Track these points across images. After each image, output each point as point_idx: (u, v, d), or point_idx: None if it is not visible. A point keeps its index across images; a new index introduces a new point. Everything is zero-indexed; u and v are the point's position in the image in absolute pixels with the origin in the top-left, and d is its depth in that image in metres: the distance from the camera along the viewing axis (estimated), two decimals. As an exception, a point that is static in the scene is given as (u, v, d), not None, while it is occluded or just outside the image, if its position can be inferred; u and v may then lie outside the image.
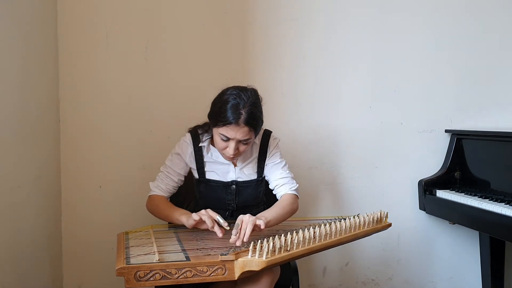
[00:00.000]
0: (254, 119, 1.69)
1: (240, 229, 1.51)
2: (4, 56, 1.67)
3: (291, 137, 2.39)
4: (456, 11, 2.55)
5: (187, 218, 1.65)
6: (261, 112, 1.75)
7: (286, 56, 2.42)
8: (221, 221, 1.59)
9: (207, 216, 1.59)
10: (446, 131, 2.54)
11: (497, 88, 2.59)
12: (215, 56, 2.33)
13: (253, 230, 1.52)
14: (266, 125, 1.93)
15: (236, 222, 1.54)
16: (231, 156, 1.73)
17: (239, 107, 1.66)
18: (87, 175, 2.26)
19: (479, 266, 2.47)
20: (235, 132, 1.67)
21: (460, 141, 2.46)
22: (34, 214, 1.94)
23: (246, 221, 1.52)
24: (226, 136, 1.68)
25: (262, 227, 1.55)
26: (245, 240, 1.48)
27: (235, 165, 1.87)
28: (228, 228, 1.58)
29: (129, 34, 2.27)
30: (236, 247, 1.40)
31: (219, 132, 1.70)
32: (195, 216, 1.60)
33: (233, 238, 1.50)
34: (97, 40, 2.24)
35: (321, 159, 2.49)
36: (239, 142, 1.71)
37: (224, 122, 1.66)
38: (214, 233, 1.59)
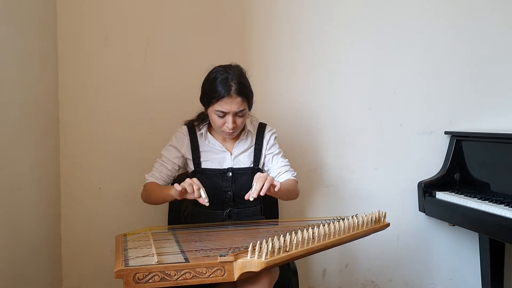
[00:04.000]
0: (244, 88, 1.78)
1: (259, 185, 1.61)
2: (4, 57, 1.67)
3: (290, 139, 2.40)
4: (456, 13, 2.55)
5: (175, 190, 1.67)
6: (249, 83, 1.84)
7: (285, 57, 2.42)
8: (203, 195, 1.63)
9: (190, 183, 1.63)
10: (446, 132, 2.54)
11: (497, 89, 2.59)
12: (215, 58, 2.32)
13: (268, 189, 1.62)
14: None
15: (254, 180, 1.64)
16: (231, 130, 1.80)
17: (228, 80, 1.76)
18: (87, 177, 2.26)
19: (479, 268, 2.47)
20: (230, 104, 1.75)
21: (460, 142, 2.46)
22: (33, 216, 1.94)
23: (264, 176, 1.63)
24: (222, 111, 1.77)
25: (277, 188, 1.64)
26: (261, 193, 1.60)
27: (231, 153, 1.91)
28: (207, 204, 1.64)
29: (128, 36, 2.27)
30: (235, 248, 1.40)
31: (214, 110, 1.78)
32: (177, 186, 1.64)
33: (250, 192, 1.61)
34: (97, 41, 2.24)
35: (321, 161, 2.49)
36: (235, 115, 1.78)
37: (217, 97, 1.75)
38: (213, 234, 1.62)
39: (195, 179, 1.67)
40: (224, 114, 1.78)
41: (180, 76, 2.31)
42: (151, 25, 2.29)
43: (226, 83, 1.75)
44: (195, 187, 1.63)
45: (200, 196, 1.63)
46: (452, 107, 2.57)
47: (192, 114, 2.00)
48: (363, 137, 2.52)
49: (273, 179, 1.65)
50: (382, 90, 2.52)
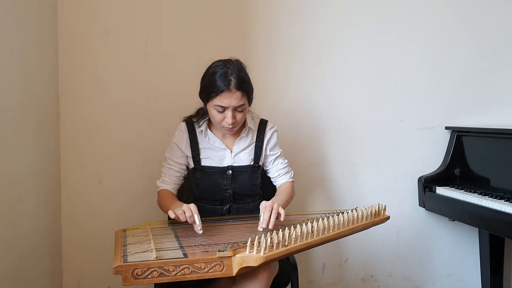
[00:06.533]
0: (244, 83, 1.76)
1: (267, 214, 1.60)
2: (4, 53, 1.67)
3: (291, 134, 2.39)
4: (457, 8, 2.54)
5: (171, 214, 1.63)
6: (249, 77, 1.82)
7: (287, 52, 2.41)
8: (197, 222, 1.55)
9: (182, 212, 1.58)
10: (446, 128, 2.54)
11: (498, 85, 2.59)
12: (215, 51, 2.31)
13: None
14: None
15: (260, 210, 1.62)
16: (230, 126, 1.78)
17: (227, 74, 1.73)
18: (87, 170, 2.26)
19: (479, 263, 2.48)
20: (229, 99, 1.73)
21: (460, 138, 2.46)
22: (33, 210, 1.94)
23: (270, 206, 1.62)
24: (221, 106, 1.74)
25: (282, 217, 1.62)
26: (270, 227, 1.57)
27: (231, 151, 1.90)
28: (200, 232, 1.54)
29: (129, 30, 2.26)
30: (234, 243, 1.40)
31: (213, 104, 1.76)
32: (171, 213, 1.61)
33: (260, 224, 1.59)
34: (97, 36, 2.24)
35: (321, 156, 2.48)
36: (234, 110, 1.76)
37: (217, 92, 1.73)
38: (212, 229, 1.62)
39: (191, 205, 1.60)
40: (224, 109, 1.75)
41: (180, 70, 2.31)
42: (151, 19, 2.28)
43: (226, 78, 1.72)
44: (187, 214, 1.57)
45: (194, 223, 1.56)
46: (453, 103, 2.57)
47: (192, 107, 1.99)
48: (363, 132, 2.51)
49: (278, 207, 1.63)
50: (383, 85, 2.51)
